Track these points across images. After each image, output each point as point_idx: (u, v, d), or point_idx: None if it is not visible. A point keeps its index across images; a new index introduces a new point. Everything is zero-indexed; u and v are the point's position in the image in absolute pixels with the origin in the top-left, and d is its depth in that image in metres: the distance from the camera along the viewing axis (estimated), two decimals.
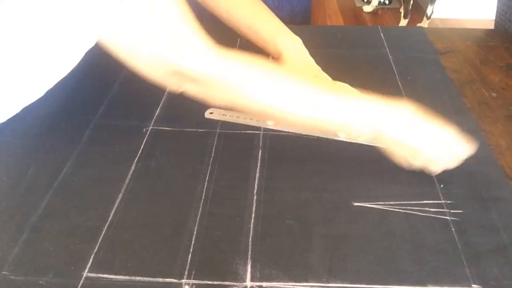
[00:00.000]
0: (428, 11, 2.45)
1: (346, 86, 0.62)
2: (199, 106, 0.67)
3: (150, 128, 0.62)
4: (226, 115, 0.63)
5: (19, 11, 0.52)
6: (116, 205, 0.51)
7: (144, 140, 0.60)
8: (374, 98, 0.53)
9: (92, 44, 0.61)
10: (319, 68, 0.66)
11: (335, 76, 0.69)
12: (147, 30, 0.46)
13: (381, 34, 0.86)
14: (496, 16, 1.00)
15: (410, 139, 0.52)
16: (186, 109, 0.66)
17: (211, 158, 0.58)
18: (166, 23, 0.46)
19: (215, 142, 0.60)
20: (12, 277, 0.43)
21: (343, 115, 0.52)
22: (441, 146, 0.53)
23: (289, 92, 0.51)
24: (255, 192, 0.53)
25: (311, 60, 0.66)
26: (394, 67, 0.76)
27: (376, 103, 0.53)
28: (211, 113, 0.64)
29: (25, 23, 0.53)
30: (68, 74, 0.64)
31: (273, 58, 0.67)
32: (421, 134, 0.53)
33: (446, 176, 0.55)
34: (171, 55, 0.48)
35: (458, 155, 0.53)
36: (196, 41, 0.48)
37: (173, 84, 0.51)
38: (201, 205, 0.51)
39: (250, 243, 0.47)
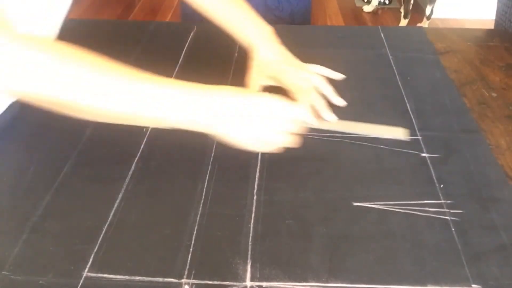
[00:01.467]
0: (427, 11, 2.45)
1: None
2: None
3: (150, 128, 0.62)
4: None
5: None
6: (116, 205, 0.51)
7: (144, 140, 0.60)
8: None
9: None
10: (290, 55, 0.66)
11: None
12: None
13: (381, 34, 0.86)
14: (496, 16, 1.00)
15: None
16: None
17: (211, 158, 0.58)
18: None
19: (215, 142, 0.60)
20: (12, 277, 0.43)
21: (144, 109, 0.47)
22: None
23: (82, 82, 0.45)
24: (255, 192, 0.53)
25: (281, 48, 0.66)
26: (394, 67, 0.76)
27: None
28: None
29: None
30: None
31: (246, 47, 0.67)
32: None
33: (446, 176, 0.55)
34: None
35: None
36: None
37: None
38: (201, 205, 0.51)
39: (250, 243, 0.47)
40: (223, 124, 0.50)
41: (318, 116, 0.62)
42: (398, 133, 0.61)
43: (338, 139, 0.61)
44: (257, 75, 0.64)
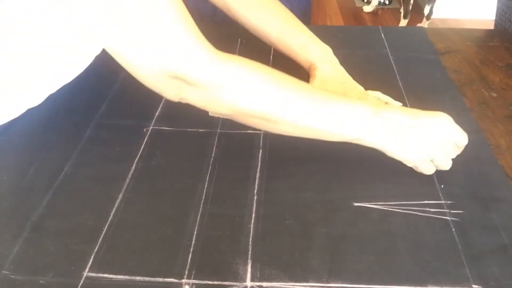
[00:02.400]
0: (425, 11, 2.45)
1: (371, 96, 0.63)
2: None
3: (151, 128, 0.62)
4: None
5: (27, 23, 0.51)
6: (116, 205, 0.51)
7: (145, 140, 0.60)
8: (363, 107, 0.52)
9: (98, 52, 0.61)
10: (349, 76, 0.66)
11: None
12: (141, 33, 0.44)
13: (382, 34, 0.86)
14: (496, 16, 1.00)
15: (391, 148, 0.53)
16: (186, 109, 0.66)
17: (211, 158, 0.58)
18: (161, 26, 0.45)
19: (215, 142, 0.60)
20: (12, 276, 0.43)
21: (333, 125, 0.52)
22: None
23: (289, 100, 0.50)
24: (255, 192, 0.53)
25: (342, 69, 0.66)
26: (394, 67, 0.76)
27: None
28: None
29: (32, 33, 0.53)
30: None
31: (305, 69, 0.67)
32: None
33: (446, 176, 0.55)
34: (168, 59, 0.46)
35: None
36: (194, 44, 0.47)
37: (170, 91, 0.50)
38: (201, 205, 0.51)
39: (250, 243, 0.47)
40: (393, 144, 0.53)
41: None
42: None
43: None
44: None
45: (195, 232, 0.48)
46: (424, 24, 2.48)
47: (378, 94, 0.66)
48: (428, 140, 0.52)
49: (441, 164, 0.54)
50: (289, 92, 0.51)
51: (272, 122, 0.51)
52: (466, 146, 0.59)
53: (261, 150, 0.59)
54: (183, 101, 0.51)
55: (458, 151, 0.54)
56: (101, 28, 0.44)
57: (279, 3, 0.69)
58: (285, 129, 0.53)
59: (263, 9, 0.68)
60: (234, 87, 0.49)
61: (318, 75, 0.64)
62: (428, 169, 0.54)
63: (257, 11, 0.68)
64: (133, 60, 0.47)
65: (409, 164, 0.54)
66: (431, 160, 0.53)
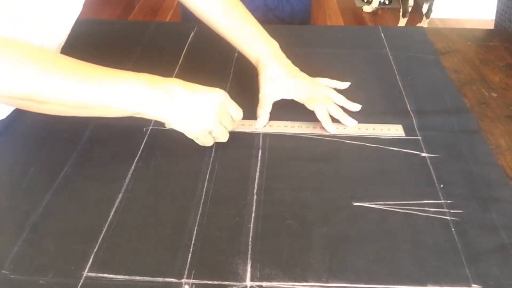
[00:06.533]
0: (424, 9, 2.45)
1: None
2: None
3: (150, 128, 0.62)
4: None
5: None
6: (116, 205, 0.51)
7: (144, 140, 0.60)
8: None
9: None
10: (297, 69, 0.66)
11: (335, 76, 0.69)
12: None
13: (382, 34, 0.86)
14: (496, 16, 1.00)
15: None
16: None
17: (211, 158, 0.58)
18: None
19: (215, 142, 0.60)
20: (12, 276, 0.43)
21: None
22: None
23: (54, 80, 0.47)
24: (255, 192, 0.53)
25: (289, 64, 0.66)
26: (394, 67, 0.76)
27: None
28: None
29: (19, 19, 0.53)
30: None
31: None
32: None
33: (446, 176, 0.55)
34: None
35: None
36: None
37: None
38: (201, 205, 0.51)
39: (250, 243, 0.47)
40: (175, 115, 0.53)
41: (328, 123, 0.62)
42: (396, 130, 0.61)
43: (338, 139, 0.61)
44: (270, 91, 0.64)
45: (195, 232, 0.48)
46: (424, 23, 2.48)
47: (326, 81, 0.68)
48: (206, 112, 0.54)
49: (219, 136, 0.57)
50: (54, 71, 0.47)
51: (40, 103, 0.48)
52: (467, 146, 0.59)
53: (260, 150, 0.59)
54: None
55: (234, 125, 0.59)
56: None
57: None
58: (59, 109, 0.50)
59: (208, 3, 0.67)
60: None
61: (267, 74, 0.64)
62: (207, 141, 0.57)
63: (203, 5, 0.68)
64: None
65: (190, 136, 0.56)
66: (210, 132, 0.56)
